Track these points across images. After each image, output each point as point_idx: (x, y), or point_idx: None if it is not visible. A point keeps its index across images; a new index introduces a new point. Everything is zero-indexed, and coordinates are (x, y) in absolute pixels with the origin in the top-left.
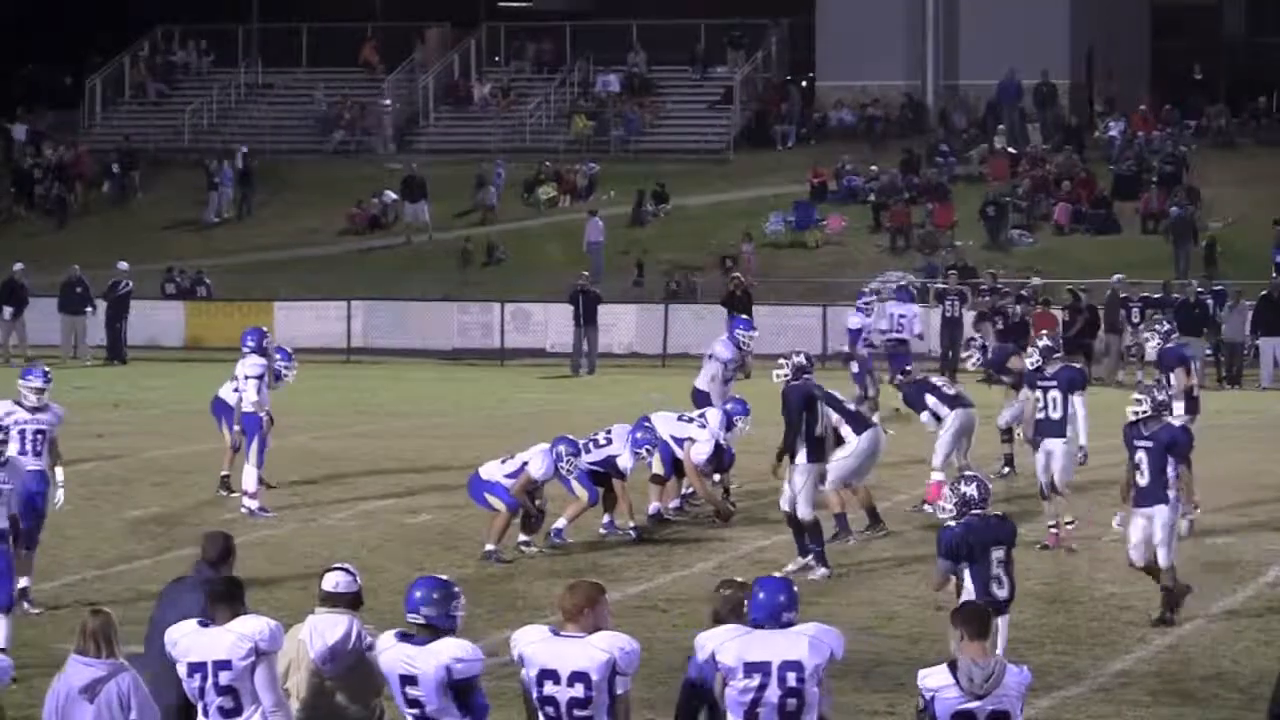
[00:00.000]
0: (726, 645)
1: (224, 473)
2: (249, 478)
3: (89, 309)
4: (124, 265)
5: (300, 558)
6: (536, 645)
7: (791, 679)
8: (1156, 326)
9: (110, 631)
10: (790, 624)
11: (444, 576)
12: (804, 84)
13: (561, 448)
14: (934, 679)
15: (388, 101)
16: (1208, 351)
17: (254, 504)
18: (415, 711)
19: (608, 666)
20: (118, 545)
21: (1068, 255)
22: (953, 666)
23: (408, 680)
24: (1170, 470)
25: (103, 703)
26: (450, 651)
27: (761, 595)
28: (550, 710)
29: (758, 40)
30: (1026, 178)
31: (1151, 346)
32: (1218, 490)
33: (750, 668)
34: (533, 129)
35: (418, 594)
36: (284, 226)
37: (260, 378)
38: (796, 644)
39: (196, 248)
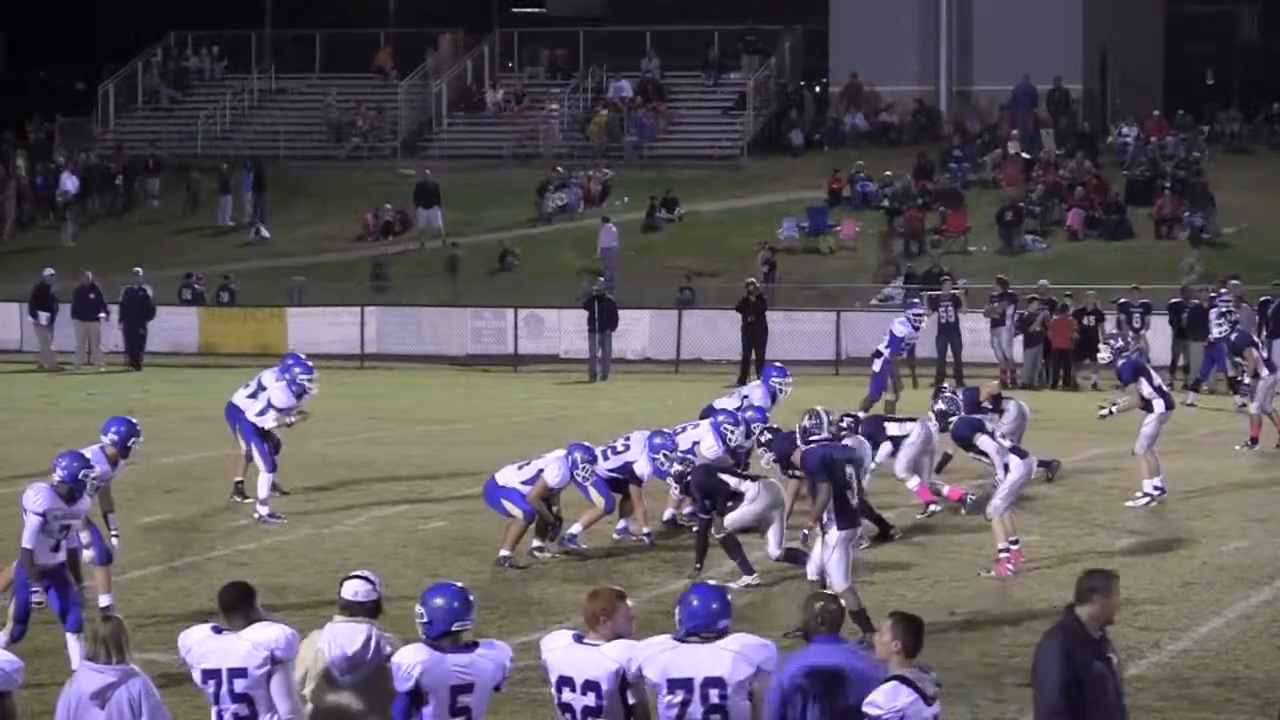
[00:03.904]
0: (652, 660)
1: (237, 479)
2: (263, 484)
3: (102, 315)
4: (139, 271)
5: (314, 564)
6: (557, 652)
7: (714, 695)
8: (1111, 341)
9: (121, 638)
10: (724, 631)
11: (457, 583)
12: (817, 89)
13: (577, 455)
14: (901, 698)
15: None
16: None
17: (264, 510)
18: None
19: (616, 677)
20: (130, 551)
21: (1081, 261)
22: (905, 681)
23: (462, 689)
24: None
25: (113, 709)
26: (503, 653)
27: (695, 603)
28: (569, 717)
29: (771, 46)
30: (1040, 183)
31: (1103, 357)
32: (1229, 495)
33: (673, 684)
34: (546, 134)
35: (450, 603)
36: (297, 233)
37: (286, 411)
38: (720, 659)
39: (210, 254)
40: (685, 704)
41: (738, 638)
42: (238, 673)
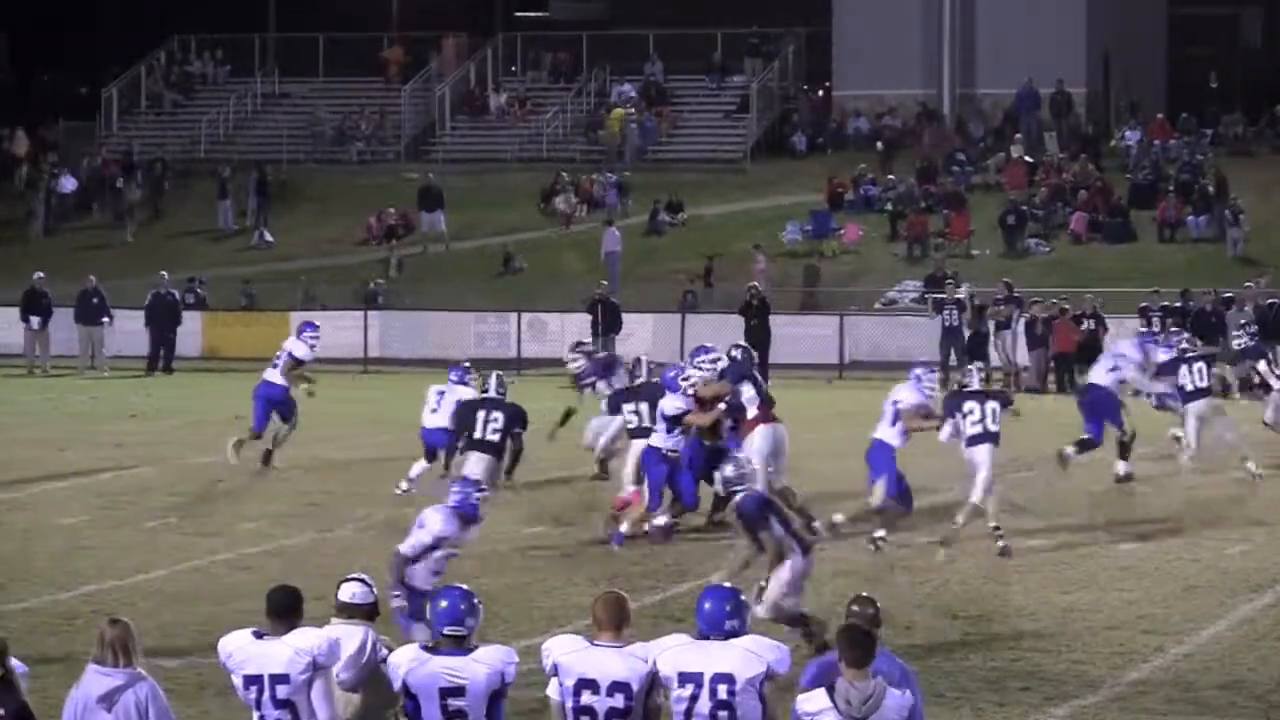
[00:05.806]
0: (665, 655)
1: (266, 448)
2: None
3: (105, 319)
4: (165, 275)
5: (317, 568)
6: (573, 655)
7: (722, 691)
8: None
9: (129, 641)
10: (733, 633)
11: (463, 586)
12: (820, 93)
13: (919, 370)
14: (812, 703)
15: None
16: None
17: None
18: None
19: (648, 677)
20: (135, 555)
21: (1085, 264)
22: (830, 690)
23: (451, 692)
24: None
25: (120, 712)
26: (500, 657)
27: (706, 605)
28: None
29: (774, 49)
30: (1043, 186)
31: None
32: (1231, 498)
33: (684, 678)
34: (550, 138)
35: (448, 605)
36: (301, 236)
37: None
38: (730, 656)
39: (213, 258)
40: (694, 698)
41: (752, 637)
42: (280, 679)
